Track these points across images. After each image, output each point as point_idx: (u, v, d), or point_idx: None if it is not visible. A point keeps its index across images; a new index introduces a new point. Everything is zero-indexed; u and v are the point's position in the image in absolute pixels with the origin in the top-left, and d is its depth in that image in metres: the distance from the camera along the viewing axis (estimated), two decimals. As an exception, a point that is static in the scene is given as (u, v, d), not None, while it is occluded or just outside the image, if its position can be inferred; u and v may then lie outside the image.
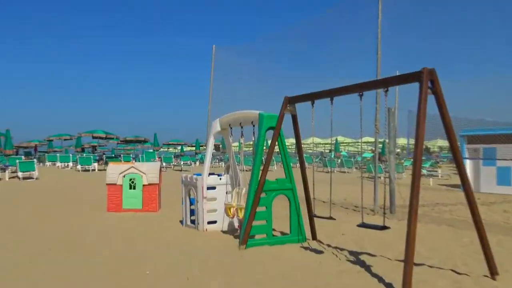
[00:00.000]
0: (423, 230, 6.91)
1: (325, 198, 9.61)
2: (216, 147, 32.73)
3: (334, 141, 36.97)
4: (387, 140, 9.59)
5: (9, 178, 17.92)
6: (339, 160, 27.64)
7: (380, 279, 4.44)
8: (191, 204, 7.46)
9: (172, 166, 26.55)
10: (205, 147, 24.77)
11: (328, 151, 44.07)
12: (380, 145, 24.52)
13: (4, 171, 18.52)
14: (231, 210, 6.43)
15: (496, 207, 10.13)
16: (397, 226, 6.71)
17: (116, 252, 5.65)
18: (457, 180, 9.88)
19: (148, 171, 9.25)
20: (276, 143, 6.13)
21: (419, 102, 4.20)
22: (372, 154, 31.86)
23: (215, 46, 19.06)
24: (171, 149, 46.45)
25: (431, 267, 4.90)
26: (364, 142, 43.56)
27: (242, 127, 6.79)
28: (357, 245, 5.97)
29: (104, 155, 28.67)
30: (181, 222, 7.71)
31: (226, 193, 7.11)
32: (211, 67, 19.00)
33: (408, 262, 3.96)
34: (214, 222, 7.09)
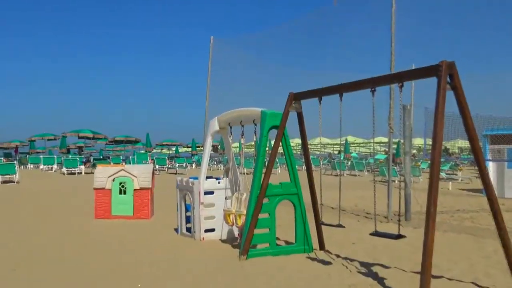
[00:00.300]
0: (441, 239, 6.91)
1: (334, 204, 9.61)
2: (214, 148, 32.78)
3: (344, 142, 36.99)
4: (402, 140, 9.60)
5: (-12, 182, 17.98)
6: (349, 162, 27.66)
7: (395, 293, 4.44)
8: (186, 210, 7.48)
9: (166, 169, 26.60)
10: (202, 148, 24.80)
11: (337, 152, 44.06)
12: (394, 146, 24.54)
13: (-18, 174, 18.56)
14: (231, 217, 6.44)
15: (522, 214, 10.12)
16: (413, 234, 6.71)
17: (104, 262, 5.66)
18: (479, 184, 9.87)
19: (139, 174, 9.27)
20: (280, 143, 6.14)
21: (437, 99, 4.20)
22: (385, 156, 31.86)
23: (213, 38, 19.11)
24: (164, 150, 46.51)
25: (450, 279, 4.90)
26: (377, 143, 43.60)
27: (242, 126, 6.80)
28: (369, 256, 5.98)
29: (91, 157, 28.74)
30: (176, 230, 7.73)
31: (225, 198, 7.12)
32: (208, 61, 19.04)
33: (425, 274, 3.97)
34: (212, 230, 7.10)
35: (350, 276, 5.05)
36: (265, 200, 6.02)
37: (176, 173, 24.28)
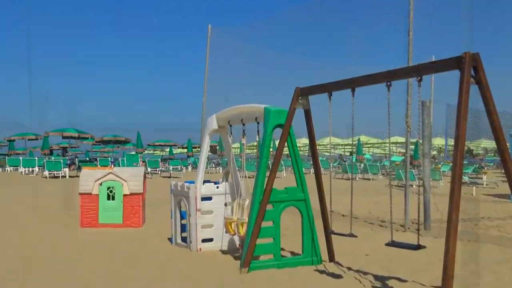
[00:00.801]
0: (464, 249, 6.90)
1: (345, 211, 9.60)
2: (213, 149, 32.79)
3: (356, 142, 36.98)
4: (420, 141, 9.58)
5: (-38, 186, 18.05)
6: (362, 165, 27.64)
7: (412, 310, 4.44)
8: (182, 218, 7.49)
9: (159, 172, 26.63)
10: (199, 149, 24.73)
11: (348, 153, 44.03)
12: (412, 147, 24.49)
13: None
14: (232, 226, 6.45)
15: (555, 222, 10.09)
16: (433, 245, 6.70)
17: (91, 276, 5.68)
18: (506, 189, 9.84)
19: (129, 178, 9.28)
20: (286, 144, 6.14)
21: (460, 94, 4.20)
22: (402, 158, 31.84)
23: (211, 26, 19.14)
24: (157, 152, 46.57)
25: (474, 295, 4.89)
26: (393, 143, 43.49)
27: (244, 125, 6.81)
28: (384, 268, 5.97)
29: (76, 159, 28.80)
30: (170, 239, 7.74)
31: (225, 204, 7.13)
32: (206, 53, 19.05)
33: (447, 288, 3.95)
34: (210, 240, 7.11)
35: (363, 291, 5.05)
36: (269, 207, 6.02)
37: (170, 177, 24.33)
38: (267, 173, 6.04)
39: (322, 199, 6.28)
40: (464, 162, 4.76)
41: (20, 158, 28.99)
